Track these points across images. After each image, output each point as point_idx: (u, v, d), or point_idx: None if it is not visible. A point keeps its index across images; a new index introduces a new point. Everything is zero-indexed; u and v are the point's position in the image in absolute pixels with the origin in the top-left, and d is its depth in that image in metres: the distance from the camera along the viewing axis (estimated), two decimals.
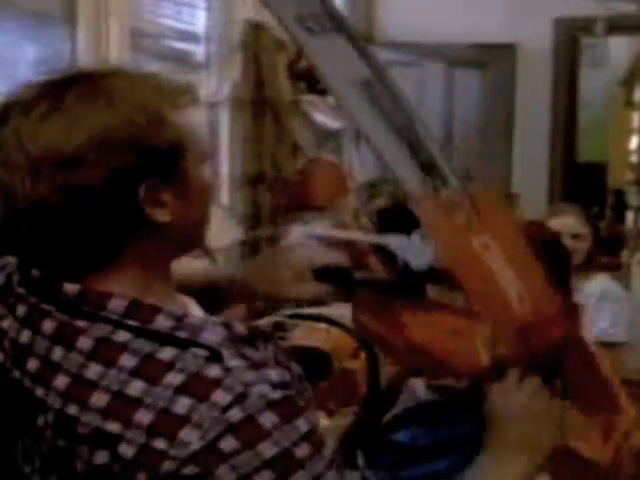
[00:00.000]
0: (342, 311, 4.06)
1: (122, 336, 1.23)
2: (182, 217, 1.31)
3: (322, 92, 5.43)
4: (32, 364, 1.27)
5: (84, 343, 1.23)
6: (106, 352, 1.22)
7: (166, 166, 1.27)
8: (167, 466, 1.16)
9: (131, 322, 1.24)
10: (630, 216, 6.28)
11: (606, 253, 5.71)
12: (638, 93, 6.17)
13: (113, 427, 1.19)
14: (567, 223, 3.85)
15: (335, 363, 3.23)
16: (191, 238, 1.40)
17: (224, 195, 5.20)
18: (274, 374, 1.24)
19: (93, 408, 1.20)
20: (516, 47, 6.34)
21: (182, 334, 1.24)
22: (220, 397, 1.18)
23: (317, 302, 4.06)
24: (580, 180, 6.96)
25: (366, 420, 3.19)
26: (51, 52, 3.97)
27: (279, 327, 3.44)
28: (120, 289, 1.27)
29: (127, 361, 1.21)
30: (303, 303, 4.31)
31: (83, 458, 1.21)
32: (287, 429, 1.20)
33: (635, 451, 2.69)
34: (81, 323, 1.25)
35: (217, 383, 1.19)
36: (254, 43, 4.99)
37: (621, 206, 6.54)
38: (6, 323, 1.32)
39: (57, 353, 1.25)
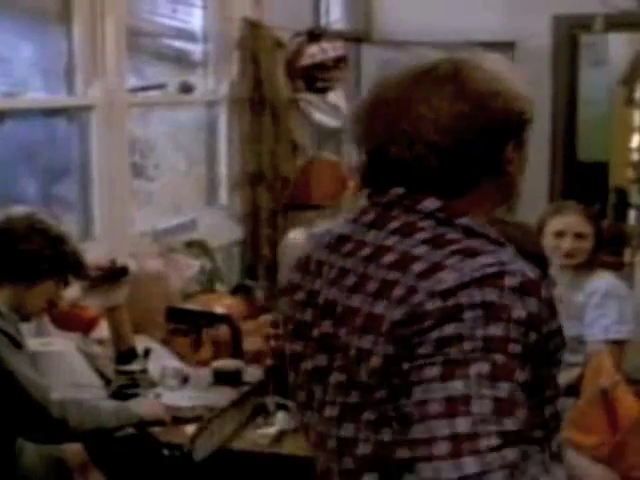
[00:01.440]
0: None
1: (422, 223, 1.57)
2: (515, 173, 1.67)
3: (321, 91, 5.42)
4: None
5: (422, 234, 1.54)
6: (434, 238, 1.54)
7: (521, 131, 1.66)
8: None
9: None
10: (632, 214, 6.25)
11: (608, 252, 5.69)
12: (639, 91, 6.14)
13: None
14: (570, 222, 3.81)
15: None
16: (512, 191, 1.72)
17: (223, 194, 5.19)
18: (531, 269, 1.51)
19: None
20: (515, 45, 6.33)
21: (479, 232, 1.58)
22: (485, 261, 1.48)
23: None
24: (581, 179, 6.94)
25: None
26: (47, 50, 3.97)
27: (278, 324, 3.42)
28: (470, 212, 1.61)
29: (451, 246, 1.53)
30: None
31: None
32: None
33: None
34: (422, 223, 1.57)
35: (483, 253, 1.50)
36: (252, 42, 4.98)
37: (623, 205, 6.51)
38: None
39: (370, 235, 1.60)
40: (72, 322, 3.39)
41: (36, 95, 3.89)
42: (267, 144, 5.08)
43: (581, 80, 6.97)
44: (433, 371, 1.40)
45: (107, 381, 3.32)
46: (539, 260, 3.07)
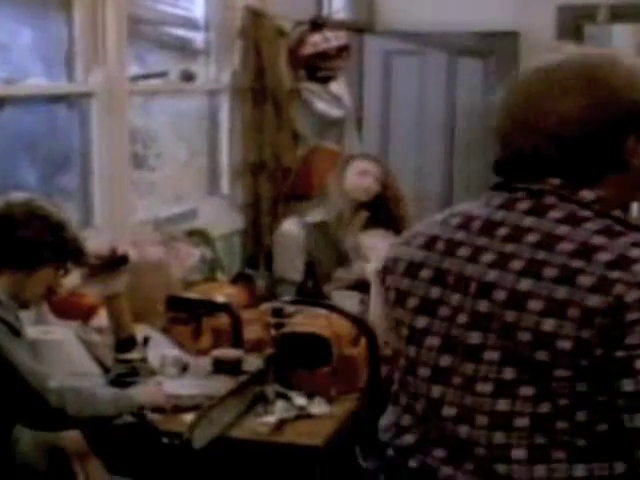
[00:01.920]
0: (343, 298, 4.05)
1: (583, 213, 1.65)
2: None
3: (323, 80, 5.40)
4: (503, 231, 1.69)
5: (591, 224, 1.63)
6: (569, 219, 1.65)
7: None
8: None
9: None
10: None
11: None
12: None
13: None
14: None
15: (335, 349, 3.19)
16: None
17: (224, 184, 5.17)
18: None
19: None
20: (519, 35, 6.30)
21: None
22: None
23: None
24: None
25: (367, 407, 3.17)
26: (48, 37, 3.95)
27: (278, 313, 3.41)
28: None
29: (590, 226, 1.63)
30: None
31: None
32: None
33: None
34: (584, 212, 1.65)
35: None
36: (254, 30, 4.95)
37: None
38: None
39: (528, 221, 1.66)
40: (71, 310, 3.38)
41: (36, 82, 3.87)
42: (269, 133, 5.06)
43: None
44: None
45: (106, 370, 3.31)
46: None
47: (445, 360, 1.70)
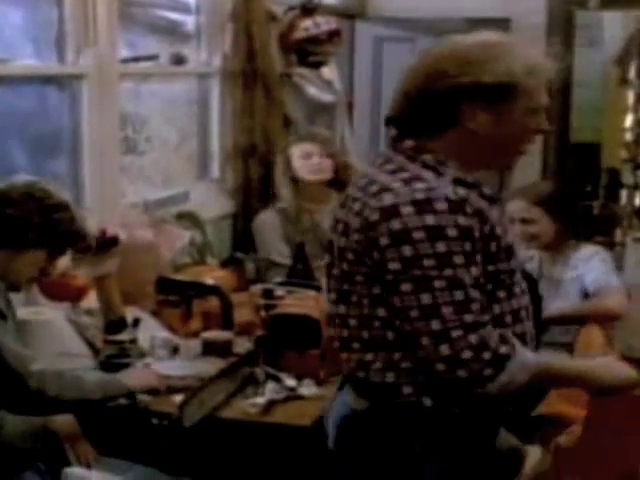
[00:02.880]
0: None
1: (407, 164, 2.10)
2: (491, 135, 2.07)
3: (314, 65, 5.39)
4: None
5: (391, 165, 2.09)
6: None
7: (490, 94, 2.03)
8: None
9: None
10: (624, 194, 6.25)
11: (600, 232, 5.70)
12: (632, 71, 6.14)
13: None
14: (514, 209, 3.77)
15: (324, 331, 3.20)
16: (494, 155, 2.14)
17: (215, 167, 5.16)
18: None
19: None
20: (510, 21, 6.30)
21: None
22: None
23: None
24: (574, 160, 6.94)
25: None
26: (38, 18, 3.93)
27: (268, 294, 3.41)
28: (440, 152, 2.08)
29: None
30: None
31: None
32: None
33: None
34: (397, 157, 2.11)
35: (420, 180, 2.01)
36: (245, 14, 4.93)
37: (615, 185, 6.52)
38: None
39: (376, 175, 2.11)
40: (61, 291, 3.37)
41: (26, 62, 3.85)
42: (259, 118, 5.05)
43: (575, 61, 6.95)
44: (405, 286, 1.97)
45: (96, 351, 3.31)
46: None
47: (333, 282, 2.19)
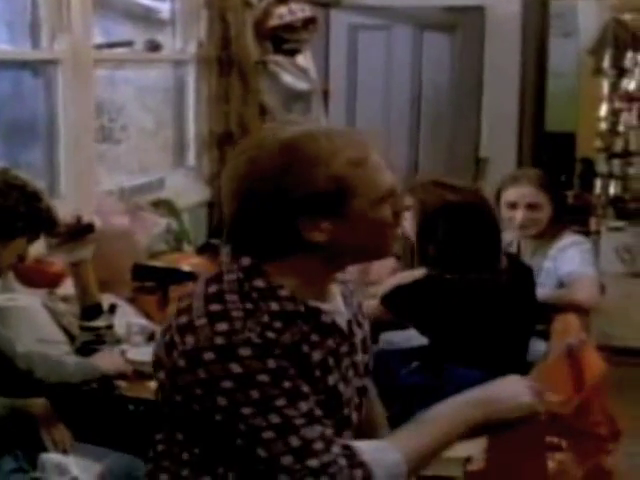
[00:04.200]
0: None
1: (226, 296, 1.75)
2: (344, 243, 1.79)
3: (289, 53, 5.38)
4: None
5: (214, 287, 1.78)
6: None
7: (326, 203, 1.74)
8: None
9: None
10: (598, 184, 6.28)
11: (574, 221, 5.71)
12: (607, 61, 6.16)
13: None
14: (523, 193, 3.77)
15: None
16: (353, 256, 1.88)
17: (191, 155, 5.15)
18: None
19: None
20: (485, 9, 6.31)
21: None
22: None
23: None
24: (549, 149, 6.96)
25: None
26: (12, 3, 3.91)
27: None
28: (278, 273, 1.79)
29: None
30: None
31: None
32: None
33: None
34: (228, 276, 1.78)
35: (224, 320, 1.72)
36: (220, 1, 4.93)
37: (589, 174, 6.54)
38: None
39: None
40: (38, 278, 3.36)
41: (1, 48, 3.83)
42: (235, 105, 5.05)
43: (550, 51, 6.98)
44: (239, 441, 1.68)
45: (72, 337, 3.30)
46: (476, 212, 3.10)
47: None
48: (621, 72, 6.11)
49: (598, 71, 6.31)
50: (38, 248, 3.05)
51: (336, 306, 1.90)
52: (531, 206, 3.76)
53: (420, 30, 6.45)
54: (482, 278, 3.16)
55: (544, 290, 3.71)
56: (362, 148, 1.80)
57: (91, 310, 3.23)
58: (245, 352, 1.67)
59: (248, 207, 1.76)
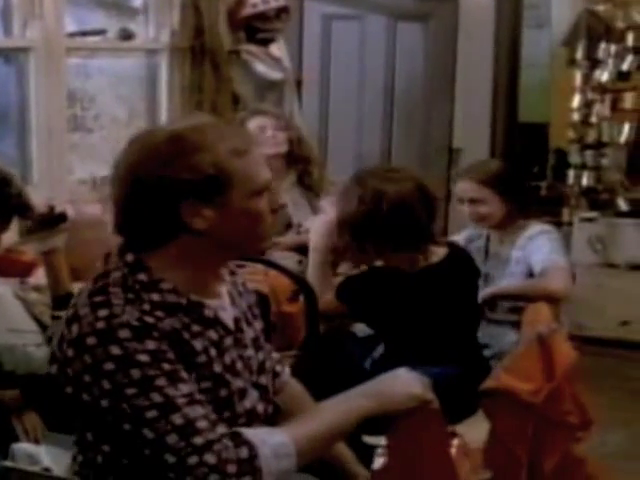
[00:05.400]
0: (281, 259, 4.04)
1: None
2: (222, 231, 1.88)
3: (262, 42, 5.37)
4: None
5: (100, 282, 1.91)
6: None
7: (207, 189, 1.84)
8: None
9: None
10: (571, 175, 6.30)
11: (547, 212, 5.73)
12: (580, 52, 6.17)
13: None
14: (463, 189, 3.78)
15: (273, 306, 3.19)
16: (231, 247, 1.96)
17: None
18: None
19: None
20: (458, 1, 6.32)
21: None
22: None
23: None
24: (522, 140, 6.99)
25: (304, 363, 3.18)
26: None
27: None
28: (161, 267, 1.91)
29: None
30: None
31: None
32: None
33: None
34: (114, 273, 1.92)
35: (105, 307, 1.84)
36: None
37: (562, 165, 6.56)
38: None
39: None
40: (9, 267, 3.34)
41: None
42: (208, 94, 5.04)
43: (524, 42, 6.99)
44: (126, 426, 1.77)
45: (44, 327, 3.28)
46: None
47: None
48: (594, 63, 6.13)
49: (572, 62, 6.33)
50: (10, 237, 3.03)
51: (221, 303, 1.99)
52: (474, 201, 3.76)
53: (394, 20, 6.45)
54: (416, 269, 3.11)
55: (515, 279, 3.72)
56: (246, 140, 1.92)
57: (63, 299, 3.22)
58: (124, 334, 1.77)
59: (133, 192, 1.86)
